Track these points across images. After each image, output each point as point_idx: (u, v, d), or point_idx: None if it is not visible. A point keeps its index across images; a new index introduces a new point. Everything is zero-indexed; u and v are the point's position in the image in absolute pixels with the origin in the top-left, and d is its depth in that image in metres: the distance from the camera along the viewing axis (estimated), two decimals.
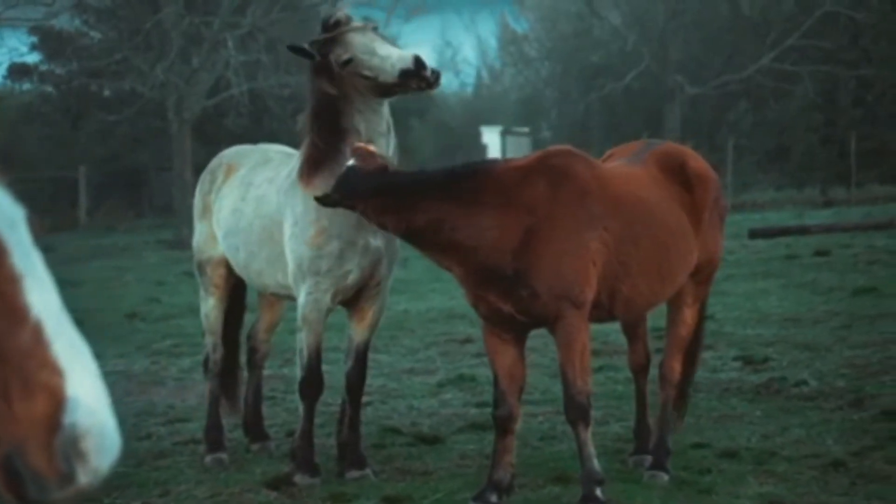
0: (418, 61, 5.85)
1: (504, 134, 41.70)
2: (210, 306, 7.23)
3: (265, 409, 7.74)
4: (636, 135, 26.16)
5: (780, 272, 15.33)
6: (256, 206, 6.74)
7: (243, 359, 7.61)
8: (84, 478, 1.92)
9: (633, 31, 36.70)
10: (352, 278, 6.35)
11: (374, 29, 6.18)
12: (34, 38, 31.82)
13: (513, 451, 5.95)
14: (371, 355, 6.99)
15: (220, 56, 26.71)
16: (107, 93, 32.74)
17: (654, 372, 6.74)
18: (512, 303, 5.66)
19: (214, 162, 7.36)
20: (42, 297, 1.99)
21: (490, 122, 43.29)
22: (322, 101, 6.18)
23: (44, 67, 33.29)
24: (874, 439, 6.82)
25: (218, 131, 29.32)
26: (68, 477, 1.92)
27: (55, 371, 1.93)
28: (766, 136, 35.93)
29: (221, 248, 7.07)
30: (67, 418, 1.92)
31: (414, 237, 5.73)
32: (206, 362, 7.33)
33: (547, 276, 5.60)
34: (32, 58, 32.73)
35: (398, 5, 31.20)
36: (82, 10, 30.13)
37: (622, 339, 7.16)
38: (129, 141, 32.87)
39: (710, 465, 6.46)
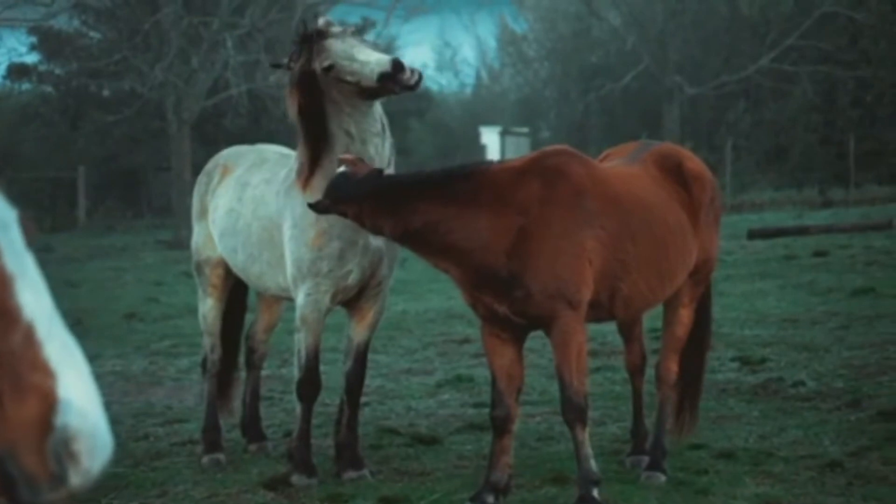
0: (396, 64, 5.86)
1: (503, 134, 41.74)
2: (208, 307, 7.23)
3: (263, 410, 7.74)
4: (635, 135, 26.19)
5: (778, 273, 15.34)
6: (254, 207, 6.74)
7: (242, 359, 7.61)
8: (76, 479, 1.92)
9: (632, 32, 36.71)
10: (352, 278, 6.35)
11: (355, 33, 6.17)
12: (33, 39, 31.80)
13: (510, 451, 5.95)
14: (369, 356, 6.99)
15: (218, 56, 26.70)
16: (106, 93, 32.73)
17: (650, 372, 6.75)
18: (507, 304, 5.66)
19: (211, 163, 7.37)
20: (34, 298, 1.99)
21: (489, 122, 43.33)
22: (308, 106, 6.20)
23: (43, 68, 33.27)
24: (871, 440, 6.82)
25: (217, 131, 29.32)
26: (60, 479, 1.92)
27: (47, 373, 1.93)
28: (765, 136, 35.94)
29: (219, 249, 7.07)
30: (59, 420, 1.92)
31: (410, 240, 5.73)
32: (203, 363, 7.33)
33: (541, 276, 5.60)
34: (31, 58, 32.72)
35: (397, 5, 31.16)
36: (81, 10, 30.11)
37: (620, 340, 7.17)
38: (127, 141, 32.85)
39: (707, 465, 6.46)
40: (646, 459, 6.42)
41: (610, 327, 7.64)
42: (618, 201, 5.94)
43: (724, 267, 15.37)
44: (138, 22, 27.19)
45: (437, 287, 14.41)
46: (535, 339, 6.82)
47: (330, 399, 7.88)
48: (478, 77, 51.64)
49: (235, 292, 7.32)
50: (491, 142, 41.19)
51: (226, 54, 26.29)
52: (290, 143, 7.16)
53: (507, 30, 48.29)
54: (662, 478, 6.21)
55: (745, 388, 8.50)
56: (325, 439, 7.15)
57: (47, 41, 31.74)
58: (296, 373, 6.55)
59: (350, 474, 6.46)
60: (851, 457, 6.50)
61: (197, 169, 7.56)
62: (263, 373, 7.99)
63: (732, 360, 9.50)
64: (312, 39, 6.13)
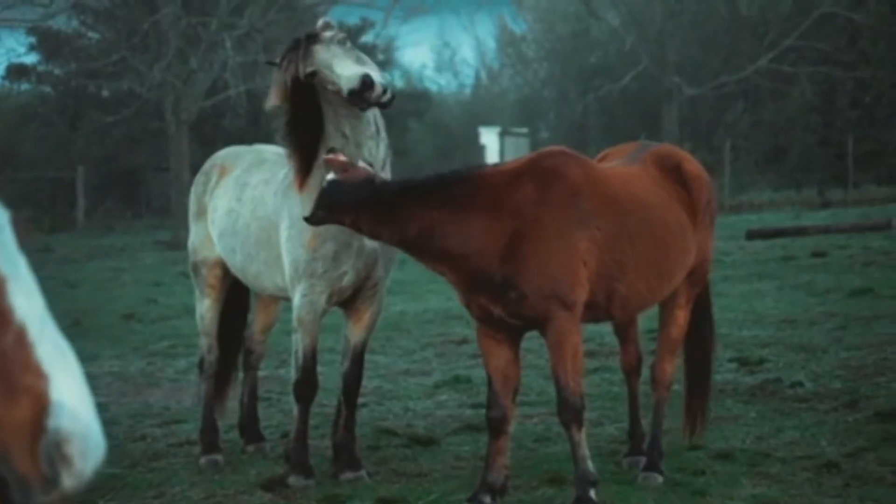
0: (365, 83, 5.87)
1: (502, 135, 41.74)
2: (205, 307, 7.23)
3: (261, 411, 7.74)
4: (634, 135, 26.16)
5: (776, 273, 15.34)
6: (253, 207, 6.75)
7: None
8: (68, 482, 1.92)
9: (631, 32, 36.70)
10: (347, 280, 6.36)
11: (342, 41, 6.16)
12: (32, 39, 31.79)
13: (507, 452, 5.95)
14: (367, 356, 6.99)
15: (217, 57, 26.68)
16: (105, 93, 32.72)
17: (647, 373, 6.75)
18: (502, 306, 5.67)
19: (208, 163, 7.37)
20: (26, 300, 1.99)
21: (488, 122, 43.33)
22: (299, 108, 6.20)
23: (42, 68, 33.26)
24: (868, 441, 6.83)
25: (215, 132, 29.30)
26: (52, 481, 1.92)
27: (39, 375, 1.93)
28: (764, 137, 35.94)
29: (217, 250, 7.07)
30: (51, 422, 1.92)
31: (406, 246, 5.75)
32: (200, 364, 7.33)
33: (534, 277, 5.60)
34: (30, 58, 32.70)
35: (396, 6, 31.15)
36: (80, 10, 30.10)
37: (617, 341, 7.17)
38: (126, 141, 32.83)
39: (704, 466, 6.46)
40: (643, 460, 6.42)
41: (607, 328, 7.64)
42: (615, 201, 5.94)
43: (723, 267, 15.38)
44: (137, 22, 27.19)
45: (436, 288, 14.40)
46: (533, 339, 6.83)
47: (327, 400, 7.88)
48: (477, 77, 51.65)
49: (237, 293, 7.31)
50: (490, 142, 41.20)
51: (224, 55, 26.28)
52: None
53: (507, 30, 48.29)
54: (659, 479, 6.22)
55: (743, 388, 8.50)
56: (323, 440, 7.15)
57: (46, 41, 31.72)
58: (293, 374, 6.56)
59: (347, 475, 6.46)
60: (848, 458, 6.51)
61: (196, 169, 7.56)
62: (261, 373, 8.00)
63: (730, 360, 9.50)
64: (301, 44, 6.16)
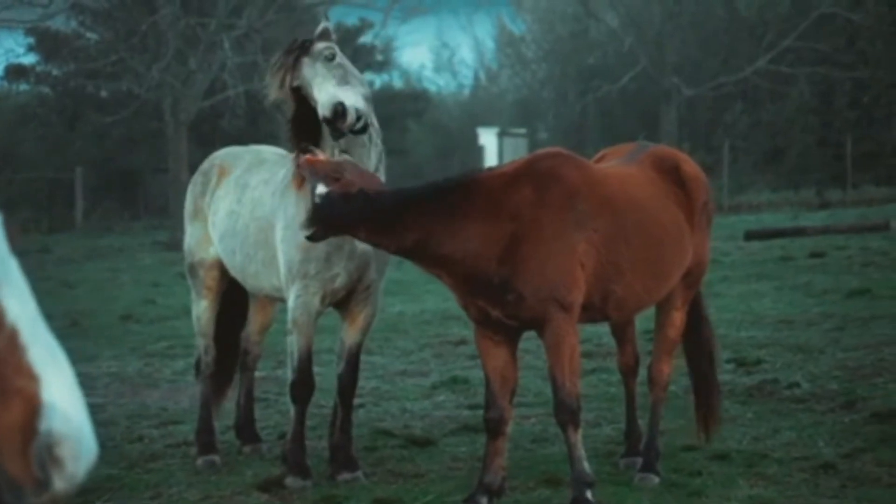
0: (336, 112, 5.94)
1: (501, 135, 41.74)
2: (202, 308, 7.22)
3: (258, 412, 7.74)
4: (632, 136, 26.15)
5: (774, 274, 15.34)
6: (252, 208, 6.75)
7: None
8: (60, 484, 1.92)
9: (630, 33, 36.71)
10: (339, 282, 6.37)
11: (329, 57, 6.18)
12: (31, 40, 31.79)
13: (504, 453, 5.95)
14: (364, 357, 6.99)
15: (216, 57, 26.68)
16: (103, 94, 32.72)
17: (644, 374, 6.75)
18: (500, 308, 5.67)
19: (206, 164, 7.36)
20: (18, 302, 1.99)
21: (487, 123, 43.33)
22: (299, 107, 6.23)
23: (40, 68, 33.26)
24: (865, 442, 6.83)
25: (214, 133, 29.30)
26: (44, 483, 1.92)
27: (31, 377, 1.93)
28: (762, 137, 35.96)
29: (214, 251, 7.07)
30: (43, 425, 1.92)
31: (404, 254, 5.75)
32: (197, 365, 7.33)
33: (532, 279, 5.60)
34: (29, 59, 32.71)
35: (395, 6, 31.15)
36: (79, 11, 30.10)
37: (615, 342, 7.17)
38: (125, 142, 32.84)
39: (701, 467, 6.46)
40: (639, 461, 6.43)
41: (605, 329, 7.65)
42: (612, 202, 5.94)
43: (721, 268, 15.39)
44: (135, 23, 27.18)
45: (434, 288, 14.39)
46: (531, 340, 6.83)
47: (325, 401, 7.88)
48: (476, 78, 51.66)
49: (234, 294, 7.30)
50: (489, 143, 41.18)
51: (223, 55, 26.27)
52: (288, 145, 7.15)
53: (505, 31, 48.30)
54: (656, 479, 6.22)
55: (740, 389, 8.50)
56: (320, 441, 7.15)
57: (45, 42, 31.73)
58: (289, 375, 6.56)
59: (344, 476, 6.46)
60: (845, 458, 6.51)
61: (194, 170, 7.56)
62: (258, 374, 7.99)
63: (728, 361, 9.49)
64: (293, 52, 6.19)
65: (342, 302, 6.53)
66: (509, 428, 5.98)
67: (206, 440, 7.05)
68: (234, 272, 6.95)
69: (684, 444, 6.91)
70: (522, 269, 5.60)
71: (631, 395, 6.82)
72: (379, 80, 42.41)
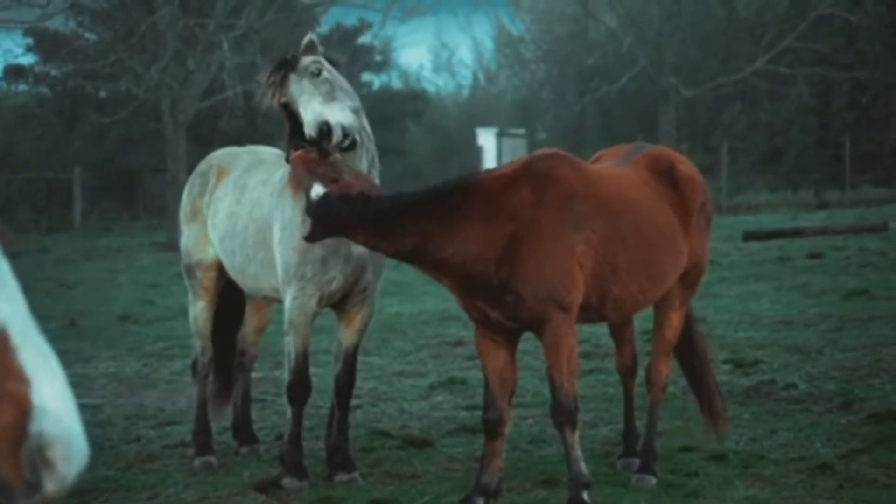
0: (322, 131, 5.98)
1: (500, 136, 41.72)
2: (199, 309, 7.22)
3: (255, 413, 7.74)
4: (631, 136, 26.18)
5: (772, 275, 15.34)
6: (251, 209, 6.76)
7: None
8: (51, 486, 1.92)
9: (629, 34, 36.74)
10: (336, 284, 6.38)
11: (315, 73, 6.18)
12: (29, 40, 31.81)
13: (501, 454, 5.95)
14: (362, 358, 6.99)
15: (214, 58, 26.68)
16: (102, 94, 32.74)
17: (642, 374, 6.75)
18: (499, 309, 5.67)
19: (203, 164, 7.35)
20: (8, 304, 1.99)
21: (486, 123, 43.33)
22: (295, 124, 6.24)
23: (39, 69, 33.27)
24: (862, 442, 6.82)
25: (213, 133, 29.31)
26: (35, 485, 1.92)
27: (21, 379, 1.93)
28: (761, 138, 35.99)
29: (212, 252, 7.07)
30: (34, 427, 1.91)
31: (403, 257, 5.75)
32: (194, 366, 7.33)
33: (531, 280, 5.61)
34: (27, 59, 32.74)
35: (394, 7, 31.15)
36: (77, 11, 30.12)
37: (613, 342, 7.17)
38: (123, 143, 32.86)
39: (698, 468, 6.46)
40: (637, 462, 6.42)
41: (603, 329, 7.65)
42: (608, 203, 5.94)
43: (719, 269, 15.39)
44: (134, 23, 27.19)
45: (432, 289, 14.40)
46: (529, 341, 6.83)
47: (322, 401, 7.87)
48: (474, 78, 51.72)
49: (231, 294, 7.30)
50: (487, 143, 41.17)
51: (222, 56, 26.28)
52: (285, 147, 7.16)
53: (504, 31, 48.34)
54: (653, 480, 6.22)
55: (738, 390, 8.49)
56: (317, 442, 7.15)
57: (43, 42, 31.75)
58: (286, 376, 6.56)
59: (341, 477, 6.46)
60: (842, 459, 6.50)
61: (192, 171, 7.55)
62: (256, 375, 8.00)
63: (725, 362, 9.51)
64: (281, 69, 6.20)
65: (339, 303, 6.53)
66: (507, 429, 5.98)
67: (203, 441, 7.05)
68: (233, 273, 6.94)
69: (681, 444, 6.91)
70: (521, 270, 5.61)
71: (629, 395, 6.82)
72: (378, 81, 42.48)
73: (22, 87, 34.79)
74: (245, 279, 6.85)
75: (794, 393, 8.31)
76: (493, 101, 49.44)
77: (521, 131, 42.90)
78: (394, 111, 39.11)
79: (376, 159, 6.44)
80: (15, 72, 32.91)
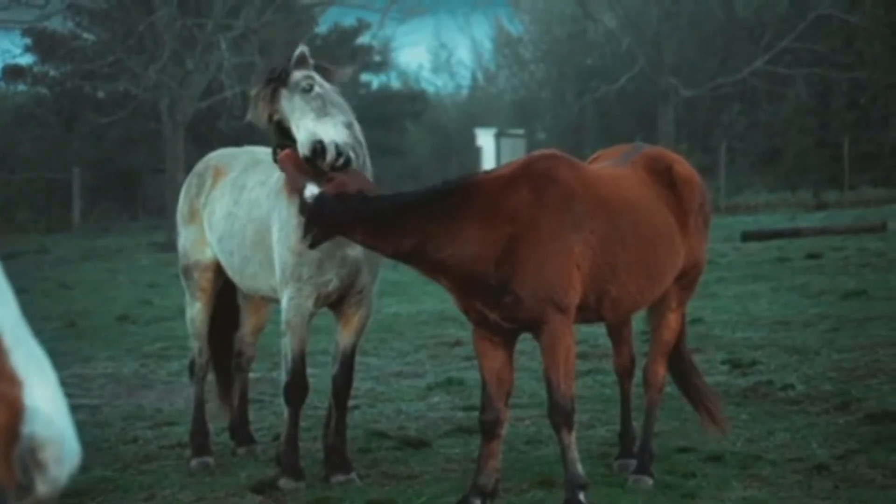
0: (315, 150, 5.96)
1: (498, 136, 41.72)
2: (196, 310, 7.22)
3: (253, 413, 7.74)
4: (630, 137, 26.20)
5: (770, 275, 15.35)
6: (249, 209, 6.76)
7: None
8: (42, 488, 1.92)
9: (628, 34, 36.73)
10: (332, 286, 6.39)
11: (306, 88, 6.17)
12: (28, 40, 31.80)
13: (498, 455, 5.95)
14: (360, 358, 6.98)
15: (213, 58, 26.69)
16: (100, 95, 32.73)
17: (640, 375, 6.76)
18: (498, 310, 5.68)
19: (200, 165, 7.35)
20: (0, 306, 1.99)
21: (484, 124, 43.34)
22: (288, 140, 6.24)
23: (37, 69, 33.27)
24: (859, 443, 6.83)
25: (211, 133, 29.31)
26: (27, 487, 1.92)
27: (13, 381, 1.93)
28: (760, 138, 35.99)
29: (209, 253, 7.07)
30: (26, 429, 1.91)
31: (402, 258, 5.75)
32: (191, 366, 7.33)
33: (529, 281, 5.61)
34: (26, 59, 32.73)
35: (393, 7, 31.15)
36: (75, 11, 30.11)
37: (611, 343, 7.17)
38: (122, 143, 32.86)
39: (695, 468, 6.46)
40: (633, 463, 6.42)
41: (601, 330, 7.65)
42: (607, 204, 5.95)
43: (717, 269, 15.40)
44: (133, 23, 27.19)
45: (430, 290, 14.40)
46: (526, 341, 6.83)
47: (320, 402, 7.88)
48: (473, 79, 51.72)
49: (225, 294, 7.31)
50: (486, 144, 41.18)
51: (220, 56, 26.28)
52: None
53: (503, 31, 48.34)
54: (650, 481, 6.22)
55: (735, 391, 8.50)
56: (314, 442, 7.15)
57: (42, 43, 31.75)
58: (283, 376, 6.56)
59: (338, 478, 6.46)
60: (839, 460, 6.51)
61: (191, 171, 7.55)
62: (253, 376, 8.00)
63: (723, 362, 9.52)
64: (271, 84, 6.18)
65: (336, 304, 6.54)
66: (504, 430, 5.98)
67: (200, 442, 7.05)
68: (232, 274, 6.94)
69: (678, 445, 6.91)
70: (520, 271, 5.61)
71: (626, 396, 6.82)
72: (377, 81, 42.48)
73: (20, 87, 34.80)
74: (243, 279, 6.85)
75: (792, 393, 8.31)
76: (492, 102, 49.44)
77: (520, 132, 42.90)
78: (393, 111, 39.12)
79: (368, 165, 6.43)
80: (13, 72, 32.91)
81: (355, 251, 6.27)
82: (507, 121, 45.03)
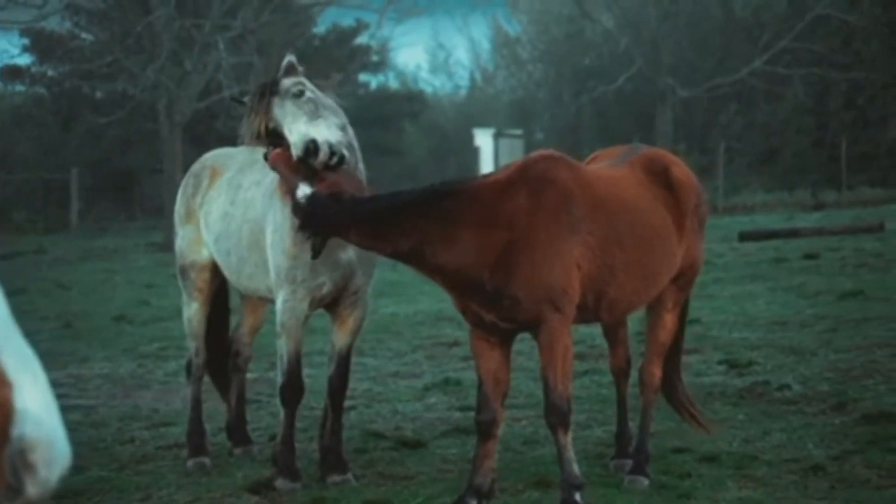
0: (309, 149, 5.95)
1: (496, 136, 41.71)
2: (193, 310, 7.22)
3: (250, 413, 7.74)
4: (628, 137, 26.22)
5: (768, 275, 15.35)
6: (245, 209, 6.75)
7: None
8: (33, 489, 1.92)
9: (626, 34, 36.74)
10: (326, 289, 6.39)
11: (297, 94, 6.17)
12: (26, 40, 31.78)
13: (494, 455, 5.95)
14: (357, 359, 6.98)
15: (211, 58, 26.67)
16: (98, 95, 32.72)
17: (635, 375, 6.75)
18: (495, 312, 5.68)
19: (197, 166, 7.34)
20: None
21: (483, 124, 43.33)
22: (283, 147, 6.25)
23: (35, 69, 33.26)
24: (855, 444, 6.83)
25: (209, 134, 29.31)
26: (17, 489, 1.92)
27: (3, 383, 1.92)
28: (758, 138, 36.00)
29: (207, 253, 7.06)
30: (16, 430, 1.91)
31: (400, 258, 5.74)
32: (188, 367, 7.32)
33: (527, 283, 5.60)
34: (24, 60, 32.72)
35: (390, 7, 31.14)
36: (73, 12, 30.09)
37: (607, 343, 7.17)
38: (120, 143, 32.86)
39: (691, 469, 6.46)
40: (629, 463, 6.43)
41: (598, 330, 7.65)
42: (604, 205, 5.95)
43: (715, 269, 15.40)
44: (130, 24, 27.18)
45: (427, 290, 14.40)
46: (524, 341, 6.83)
47: (316, 402, 7.88)
48: (471, 79, 51.69)
49: (221, 295, 7.32)
50: (484, 144, 41.15)
51: (218, 56, 26.27)
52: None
53: (501, 32, 48.32)
54: (646, 481, 6.22)
55: (731, 391, 8.50)
56: (310, 443, 7.15)
57: (40, 43, 31.74)
58: (279, 377, 6.56)
59: (334, 478, 6.46)
60: (835, 460, 6.51)
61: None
62: (251, 376, 7.99)
63: (719, 363, 9.52)
64: (263, 94, 6.20)
65: (331, 305, 6.54)
66: (500, 430, 5.98)
67: (196, 442, 7.05)
68: (229, 274, 6.94)
69: (674, 446, 6.91)
70: (519, 273, 5.61)
71: (622, 397, 6.82)
72: (374, 81, 42.48)
73: (18, 87, 34.79)
74: (241, 279, 6.85)
75: (788, 394, 8.31)
76: (489, 102, 49.43)
77: (518, 132, 42.88)
78: (390, 112, 39.14)
79: (362, 168, 6.43)
80: (11, 72, 32.89)
81: (348, 254, 6.28)
82: (505, 121, 45.02)
